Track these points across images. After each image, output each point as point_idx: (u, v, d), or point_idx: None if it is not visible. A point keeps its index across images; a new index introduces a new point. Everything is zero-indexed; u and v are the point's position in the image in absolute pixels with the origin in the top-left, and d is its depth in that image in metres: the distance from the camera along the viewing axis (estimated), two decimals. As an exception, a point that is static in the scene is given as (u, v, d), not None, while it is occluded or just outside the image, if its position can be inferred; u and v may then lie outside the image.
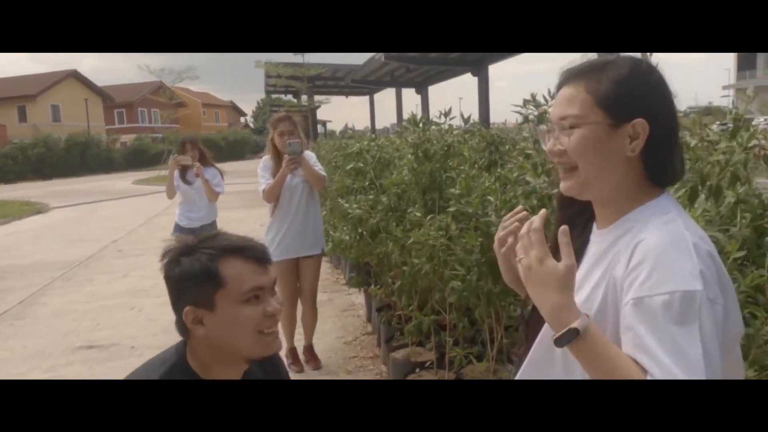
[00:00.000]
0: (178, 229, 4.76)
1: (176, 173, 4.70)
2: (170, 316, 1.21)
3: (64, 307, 5.58)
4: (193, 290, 1.15)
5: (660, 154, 0.97)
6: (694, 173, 1.69)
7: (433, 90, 18.21)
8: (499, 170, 2.84)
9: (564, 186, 1.03)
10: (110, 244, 9.19)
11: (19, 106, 39.54)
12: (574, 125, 0.97)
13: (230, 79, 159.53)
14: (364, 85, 19.85)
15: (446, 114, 3.18)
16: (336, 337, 4.48)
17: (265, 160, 3.80)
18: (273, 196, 3.68)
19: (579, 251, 1.06)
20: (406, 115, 3.55)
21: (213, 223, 4.88)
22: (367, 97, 25.01)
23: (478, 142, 4.33)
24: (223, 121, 61.69)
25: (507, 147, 3.46)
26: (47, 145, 33.48)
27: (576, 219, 1.11)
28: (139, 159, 38.65)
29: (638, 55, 1.06)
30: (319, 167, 3.78)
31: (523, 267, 0.96)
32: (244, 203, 12.98)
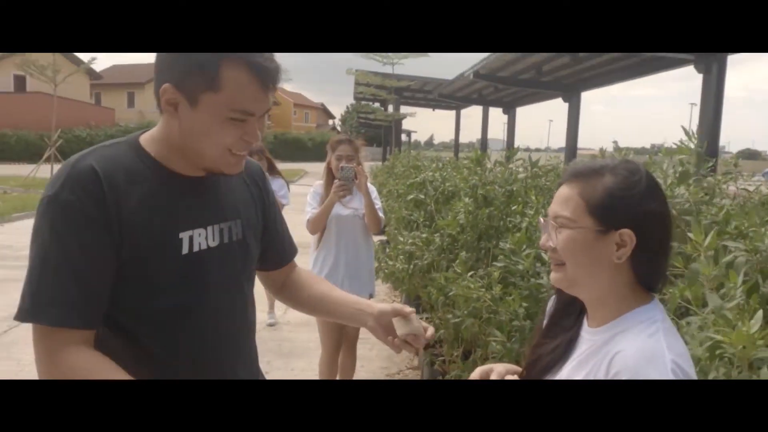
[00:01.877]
0: None
1: None
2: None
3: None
4: (183, 73, 1.04)
5: (649, 261, 1.01)
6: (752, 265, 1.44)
7: (522, 110, 17.78)
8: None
9: (553, 277, 1.07)
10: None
11: (129, 92, 42.58)
12: (564, 226, 1.01)
13: (323, 82, 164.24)
14: (451, 100, 19.74)
15: (511, 156, 2.98)
16: (380, 366, 4.37)
17: (317, 186, 3.40)
18: (318, 227, 3.28)
19: (569, 344, 1.10)
20: (491, 133, 3.37)
21: None
22: (453, 112, 24.88)
23: (552, 180, 4.09)
24: (312, 122, 63.49)
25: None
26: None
27: (569, 307, 1.14)
28: (229, 151, 40.50)
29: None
30: (378, 206, 3.34)
31: None
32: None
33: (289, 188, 4.99)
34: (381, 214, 3.34)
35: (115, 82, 40.81)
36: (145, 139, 1.16)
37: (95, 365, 1.03)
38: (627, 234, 0.98)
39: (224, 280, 1.21)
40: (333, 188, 3.19)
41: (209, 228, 1.18)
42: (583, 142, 12.28)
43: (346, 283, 3.26)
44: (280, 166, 5.17)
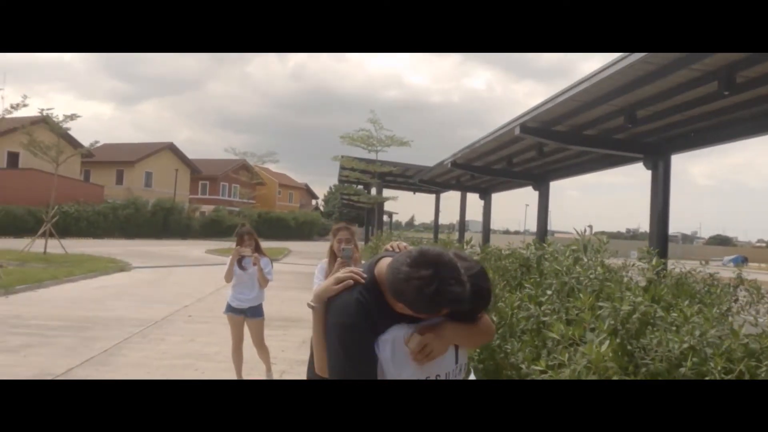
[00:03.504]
0: (229, 308, 5.51)
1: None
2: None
3: (140, 360, 6.38)
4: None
5: None
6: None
7: (498, 195, 18.90)
8: (518, 293, 3.43)
9: None
10: (182, 308, 10.14)
11: (118, 170, 43.70)
12: None
13: (308, 163, 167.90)
14: (430, 185, 20.92)
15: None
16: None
17: (322, 263, 4.16)
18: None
19: None
20: (469, 215, 4.02)
21: (259, 306, 5.58)
22: (434, 196, 26.07)
23: (512, 262, 4.92)
24: (296, 202, 64.87)
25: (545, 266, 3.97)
26: (136, 207, 36.55)
27: None
28: (214, 229, 41.15)
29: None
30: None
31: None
32: (300, 284, 13.83)
33: (272, 266, 5.72)
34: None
35: (105, 159, 41.90)
36: (379, 276, 1.73)
37: None
38: None
39: None
40: (336, 265, 3.87)
41: None
42: (559, 225, 13.28)
43: None
44: (265, 244, 5.92)
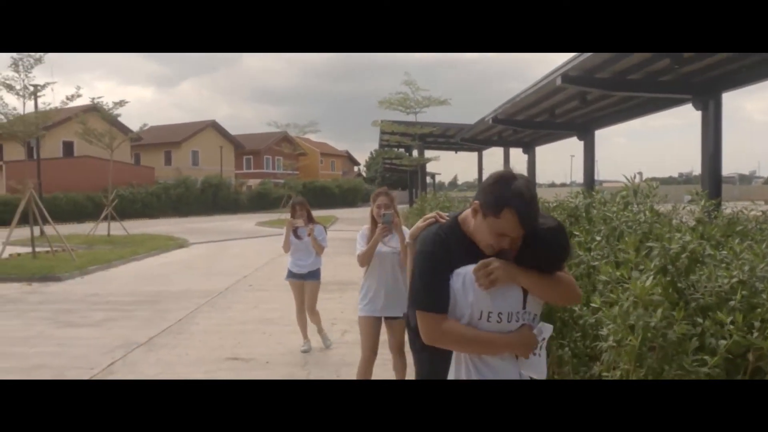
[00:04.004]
0: (290, 275, 5.91)
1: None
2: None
3: (212, 327, 6.85)
4: (487, 202, 1.86)
5: None
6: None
7: (541, 148, 18.65)
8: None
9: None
10: (242, 278, 10.66)
11: (166, 151, 45.03)
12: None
13: (347, 130, 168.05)
14: (472, 143, 20.76)
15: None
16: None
17: (364, 229, 4.34)
18: (365, 260, 4.22)
19: None
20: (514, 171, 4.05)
21: (317, 271, 5.96)
22: (476, 154, 25.83)
23: (559, 213, 5.01)
24: (338, 170, 65.40)
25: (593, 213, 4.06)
26: (186, 186, 37.75)
27: None
28: (262, 202, 42.11)
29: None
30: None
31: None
32: (350, 249, 14.18)
33: (326, 232, 6.02)
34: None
35: (153, 142, 43.18)
36: (462, 219, 2.03)
37: (461, 327, 1.89)
38: None
39: None
40: (377, 230, 4.12)
41: None
42: (608, 174, 13.09)
43: (387, 306, 4.18)
44: (312, 213, 6.19)
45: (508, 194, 1.80)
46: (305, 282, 5.93)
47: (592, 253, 3.21)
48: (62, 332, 6.70)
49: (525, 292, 1.90)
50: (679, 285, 2.56)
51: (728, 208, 4.19)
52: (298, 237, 5.86)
